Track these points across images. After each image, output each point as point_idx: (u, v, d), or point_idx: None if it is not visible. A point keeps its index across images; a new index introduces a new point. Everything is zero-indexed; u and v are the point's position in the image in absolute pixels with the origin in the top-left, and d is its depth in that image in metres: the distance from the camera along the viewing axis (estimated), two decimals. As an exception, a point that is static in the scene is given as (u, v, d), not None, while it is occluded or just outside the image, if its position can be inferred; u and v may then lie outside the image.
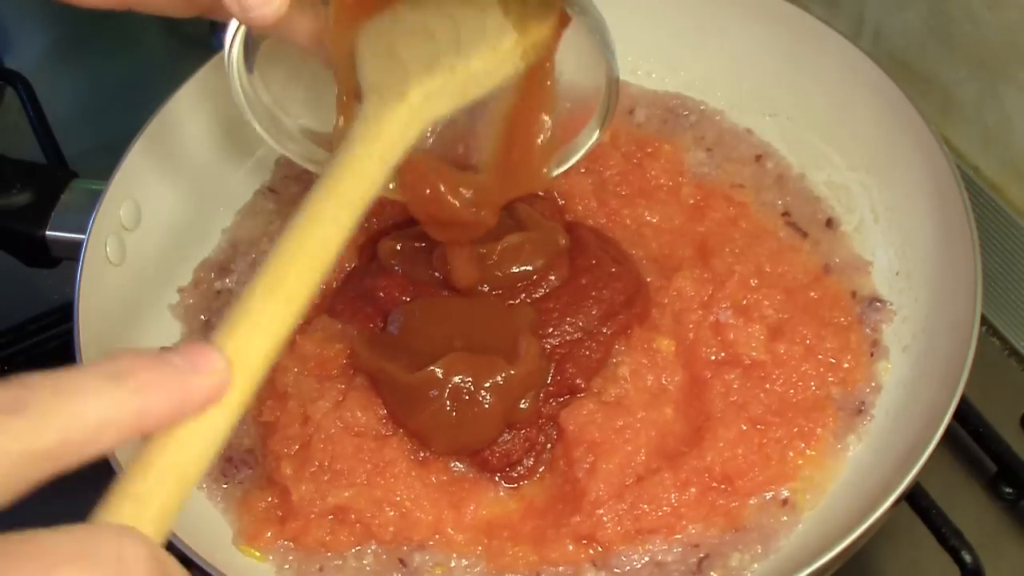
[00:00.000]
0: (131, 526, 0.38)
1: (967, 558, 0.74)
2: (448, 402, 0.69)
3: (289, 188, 0.91)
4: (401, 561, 0.69)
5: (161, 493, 0.40)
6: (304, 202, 0.50)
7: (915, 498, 0.77)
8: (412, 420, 0.71)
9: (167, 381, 0.40)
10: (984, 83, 0.89)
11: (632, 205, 0.83)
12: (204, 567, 0.64)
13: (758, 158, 0.88)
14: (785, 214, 0.84)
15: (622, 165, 0.85)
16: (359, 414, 0.71)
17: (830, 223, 0.83)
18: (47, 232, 0.84)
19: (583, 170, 0.84)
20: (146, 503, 0.40)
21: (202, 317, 0.83)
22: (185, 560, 0.64)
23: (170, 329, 0.83)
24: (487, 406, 0.69)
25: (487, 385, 0.69)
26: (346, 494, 0.69)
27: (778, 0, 0.87)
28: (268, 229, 0.88)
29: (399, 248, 0.78)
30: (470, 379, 0.69)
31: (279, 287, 0.46)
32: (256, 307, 0.45)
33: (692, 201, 0.84)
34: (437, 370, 0.69)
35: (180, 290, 0.84)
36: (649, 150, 0.87)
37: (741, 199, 0.84)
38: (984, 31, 0.86)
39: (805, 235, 0.83)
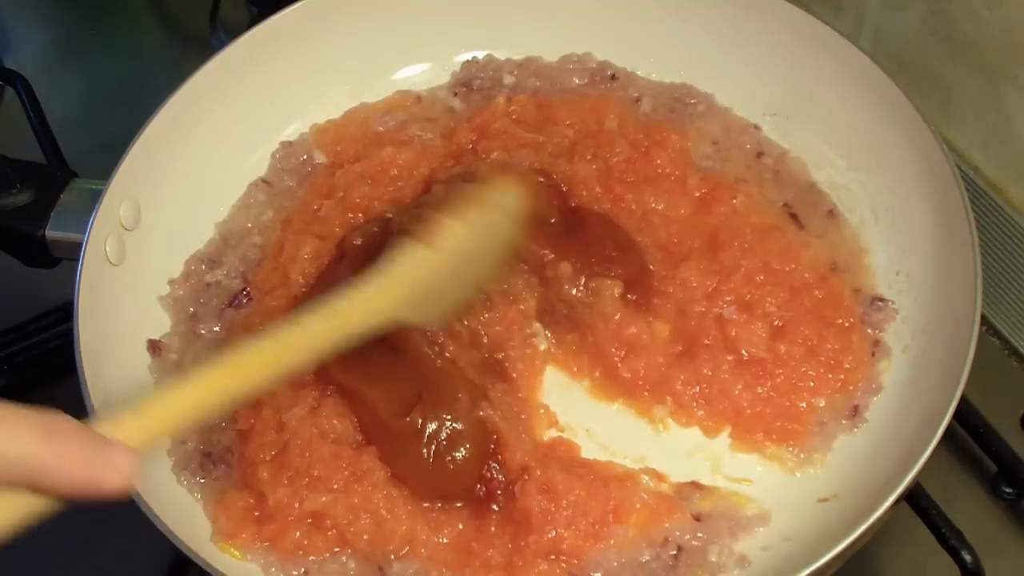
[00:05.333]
0: None
1: (967, 558, 0.74)
2: (425, 449, 0.69)
3: (283, 181, 0.91)
4: (380, 569, 0.68)
5: None
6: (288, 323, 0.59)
7: (915, 498, 0.77)
8: (392, 464, 0.70)
9: (83, 463, 0.43)
10: (984, 83, 0.89)
11: (638, 191, 0.83)
12: (200, 563, 0.64)
13: (759, 155, 0.87)
14: (785, 205, 0.84)
15: (628, 152, 0.85)
16: (335, 422, 0.71)
17: (831, 214, 0.83)
18: (47, 232, 0.84)
19: (589, 156, 0.84)
20: None
21: (190, 309, 0.83)
22: (181, 558, 0.64)
23: (162, 323, 0.83)
24: (465, 454, 0.69)
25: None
26: (323, 499, 0.68)
27: (778, 0, 0.87)
28: (259, 220, 0.88)
29: (359, 243, 0.78)
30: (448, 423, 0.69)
31: (222, 383, 0.54)
32: (193, 389, 0.52)
33: (698, 194, 0.84)
34: (417, 419, 0.69)
35: (170, 281, 0.84)
36: (657, 139, 0.87)
37: (746, 192, 0.84)
38: (984, 31, 0.86)
39: (802, 226, 0.82)
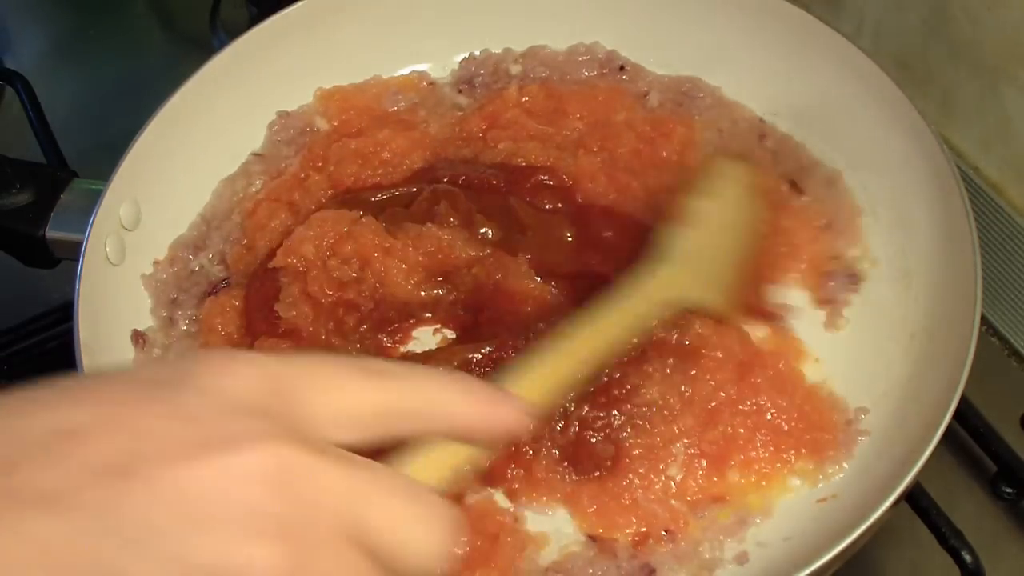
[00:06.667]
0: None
1: (967, 558, 0.74)
2: None
3: (279, 151, 0.90)
4: None
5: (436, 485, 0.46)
6: (605, 305, 0.64)
7: (915, 498, 0.76)
8: None
9: (489, 402, 0.47)
10: (984, 83, 0.89)
11: (642, 177, 0.83)
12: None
13: (761, 137, 0.87)
14: (783, 175, 0.84)
15: (635, 144, 0.85)
16: None
17: (831, 181, 0.83)
18: (47, 232, 0.84)
19: (595, 148, 0.85)
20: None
21: (171, 295, 0.82)
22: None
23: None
24: None
25: None
26: None
27: (778, 0, 0.87)
28: (247, 192, 0.87)
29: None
30: None
31: (570, 357, 0.58)
32: (547, 368, 0.56)
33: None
34: None
35: (155, 262, 0.84)
36: (663, 131, 0.87)
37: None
38: (984, 31, 0.86)
39: (803, 192, 0.83)
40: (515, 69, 0.94)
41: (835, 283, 0.79)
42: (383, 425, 0.44)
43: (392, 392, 0.44)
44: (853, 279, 0.79)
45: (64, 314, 0.91)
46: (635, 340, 0.66)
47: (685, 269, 0.70)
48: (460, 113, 0.92)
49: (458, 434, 0.46)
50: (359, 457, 0.41)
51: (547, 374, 0.55)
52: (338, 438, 0.42)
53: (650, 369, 0.72)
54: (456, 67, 0.96)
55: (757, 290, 0.77)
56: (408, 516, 0.40)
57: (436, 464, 0.46)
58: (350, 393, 0.43)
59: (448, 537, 0.41)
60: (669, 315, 0.69)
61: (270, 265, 0.78)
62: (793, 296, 0.79)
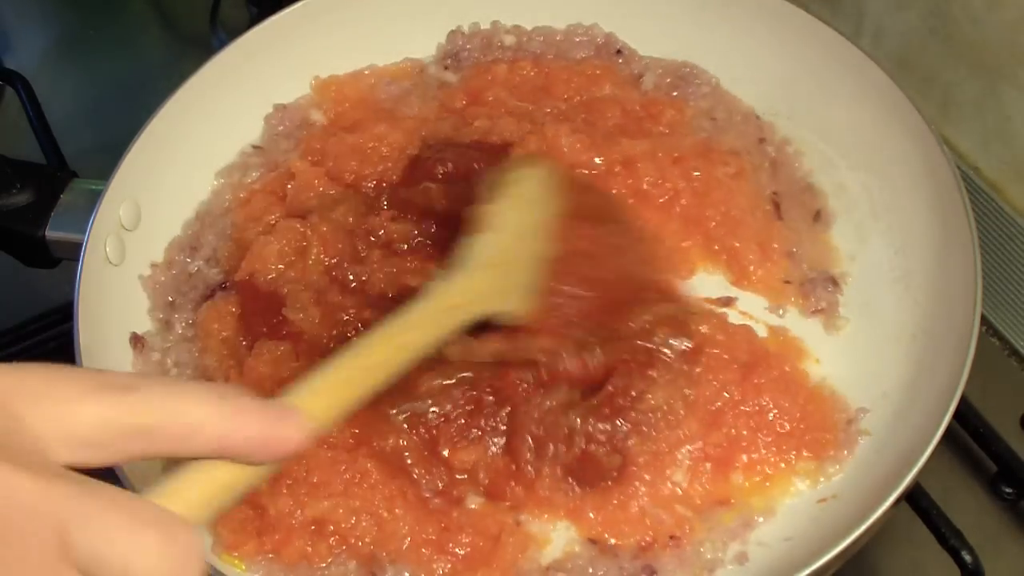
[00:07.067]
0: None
1: (967, 558, 0.74)
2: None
3: (278, 144, 0.90)
4: (373, 574, 0.68)
5: (198, 509, 0.43)
6: (401, 313, 0.61)
7: (915, 498, 0.77)
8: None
9: (262, 419, 0.43)
10: (984, 83, 0.89)
11: (618, 143, 0.82)
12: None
13: (761, 140, 0.87)
14: (774, 194, 0.83)
15: (620, 119, 0.85)
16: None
17: (818, 216, 0.83)
18: (47, 232, 0.84)
19: (579, 120, 0.84)
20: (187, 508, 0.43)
21: (169, 298, 0.82)
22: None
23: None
24: None
25: None
26: (324, 504, 0.68)
27: (778, 0, 0.87)
28: (242, 183, 0.86)
29: None
30: None
31: (362, 364, 0.54)
32: (337, 376, 0.52)
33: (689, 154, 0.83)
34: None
35: (153, 265, 0.83)
36: (652, 111, 0.86)
37: (737, 165, 0.83)
38: (984, 31, 0.86)
39: (781, 217, 0.82)
40: (509, 40, 0.93)
41: (817, 293, 0.79)
42: (125, 445, 0.40)
43: (133, 409, 0.40)
44: (833, 282, 0.79)
45: (64, 314, 0.91)
46: (431, 348, 0.62)
47: (482, 276, 0.67)
48: (445, 88, 0.91)
49: (228, 454, 0.43)
50: (87, 479, 0.38)
51: (337, 385, 0.52)
52: (69, 459, 0.39)
53: (654, 374, 0.71)
54: (443, 41, 0.95)
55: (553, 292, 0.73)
56: (134, 541, 0.38)
57: (202, 486, 0.43)
58: (81, 410, 0.40)
59: (184, 565, 0.39)
60: (467, 322, 0.65)
61: (235, 277, 0.78)
62: (785, 311, 0.79)
